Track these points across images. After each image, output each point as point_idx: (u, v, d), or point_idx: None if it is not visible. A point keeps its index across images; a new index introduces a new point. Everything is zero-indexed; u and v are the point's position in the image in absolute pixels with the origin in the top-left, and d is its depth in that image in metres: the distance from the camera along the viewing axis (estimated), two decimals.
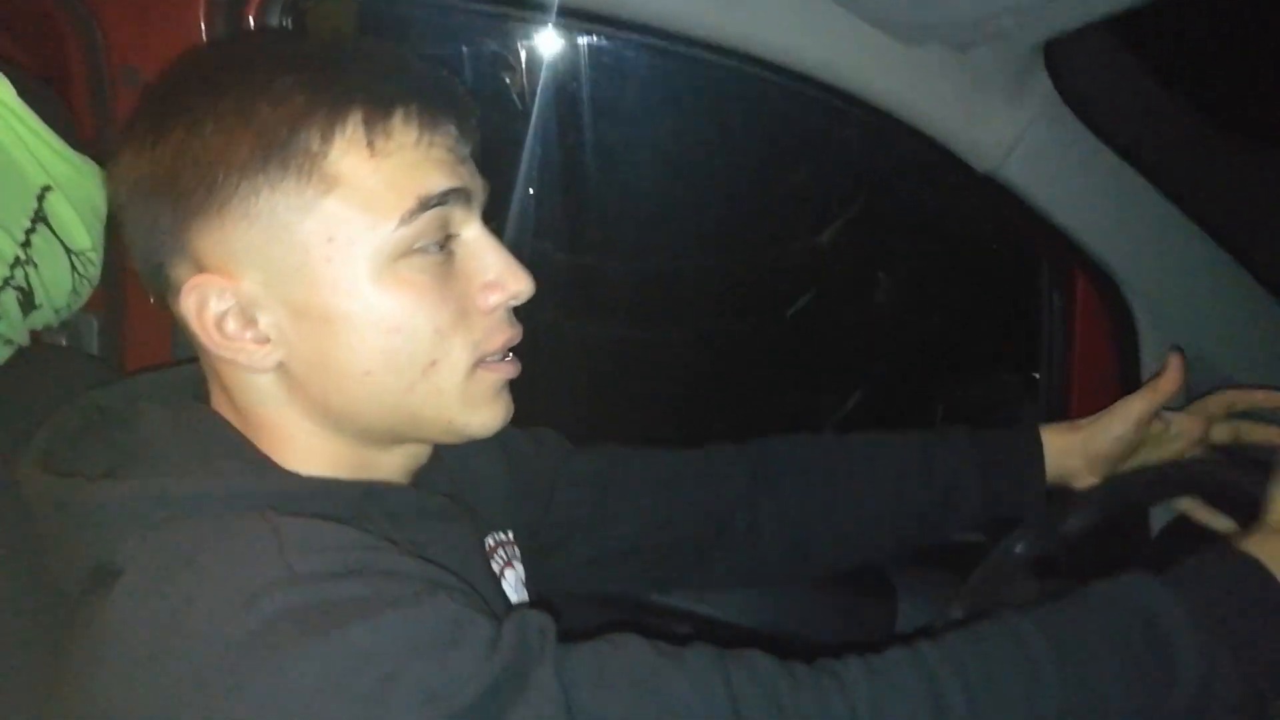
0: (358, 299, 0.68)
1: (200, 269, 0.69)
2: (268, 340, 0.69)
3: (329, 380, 0.70)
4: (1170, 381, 1.03)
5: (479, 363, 0.73)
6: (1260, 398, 1.06)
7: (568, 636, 0.64)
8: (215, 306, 0.69)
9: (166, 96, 0.70)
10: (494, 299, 0.73)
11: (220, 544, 0.61)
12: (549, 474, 1.01)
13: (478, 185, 0.74)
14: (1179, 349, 1.07)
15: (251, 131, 0.66)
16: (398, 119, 0.69)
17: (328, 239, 0.67)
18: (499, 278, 0.73)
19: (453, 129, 0.72)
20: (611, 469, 1.04)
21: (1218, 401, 1.07)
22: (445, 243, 0.71)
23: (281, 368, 0.71)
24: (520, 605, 0.86)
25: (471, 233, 0.73)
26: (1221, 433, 1.07)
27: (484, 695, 0.57)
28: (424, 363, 0.70)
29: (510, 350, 0.77)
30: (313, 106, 0.67)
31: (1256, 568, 0.73)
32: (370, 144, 0.68)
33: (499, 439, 0.96)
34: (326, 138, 0.67)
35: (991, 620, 0.72)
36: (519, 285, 0.74)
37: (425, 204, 0.69)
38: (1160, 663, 0.69)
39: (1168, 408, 1.06)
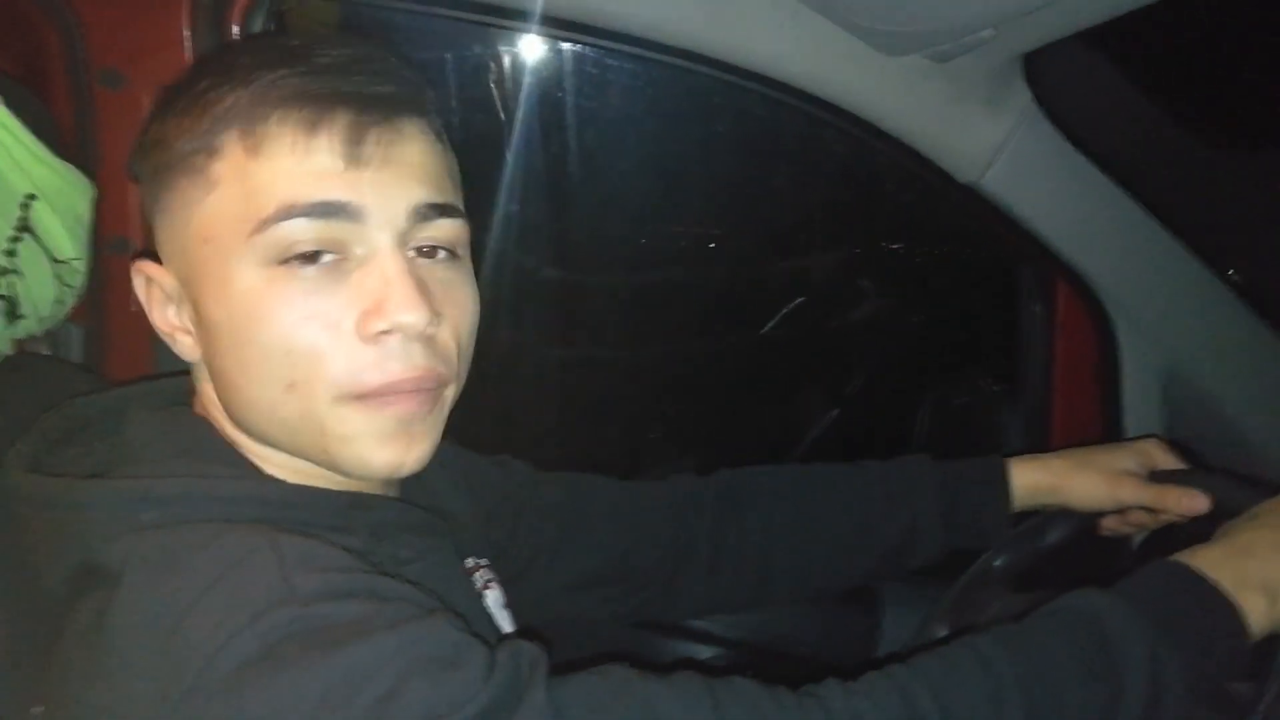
0: (224, 304, 0.68)
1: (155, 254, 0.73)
2: (190, 333, 0.72)
3: (222, 382, 0.72)
4: (1178, 506, 0.97)
5: (338, 398, 0.68)
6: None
7: (558, 669, 0.64)
8: (154, 292, 0.73)
9: (178, 81, 0.73)
10: (374, 326, 0.67)
11: (222, 556, 0.61)
12: (514, 502, 1.01)
13: (384, 199, 0.68)
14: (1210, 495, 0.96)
15: (179, 127, 0.69)
16: (273, 121, 0.66)
17: (204, 239, 0.68)
18: (380, 301, 0.67)
19: (344, 137, 0.67)
20: (576, 498, 1.04)
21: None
22: (339, 259, 0.67)
23: (201, 361, 0.73)
24: (505, 628, 0.86)
25: (364, 249, 0.68)
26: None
27: (480, 717, 0.57)
28: (282, 383, 0.67)
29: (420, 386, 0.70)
30: (212, 107, 0.68)
31: (1188, 571, 0.77)
32: (246, 147, 0.67)
33: (461, 468, 0.96)
34: (218, 137, 0.68)
35: (954, 642, 0.74)
36: (402, 313, 0.66)
37: (285, 213, 0.65)
38: (1109, 661, 0.72)
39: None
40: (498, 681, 0.59)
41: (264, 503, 0.68)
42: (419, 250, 0.70)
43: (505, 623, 0.87)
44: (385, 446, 0.69)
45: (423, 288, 0.68)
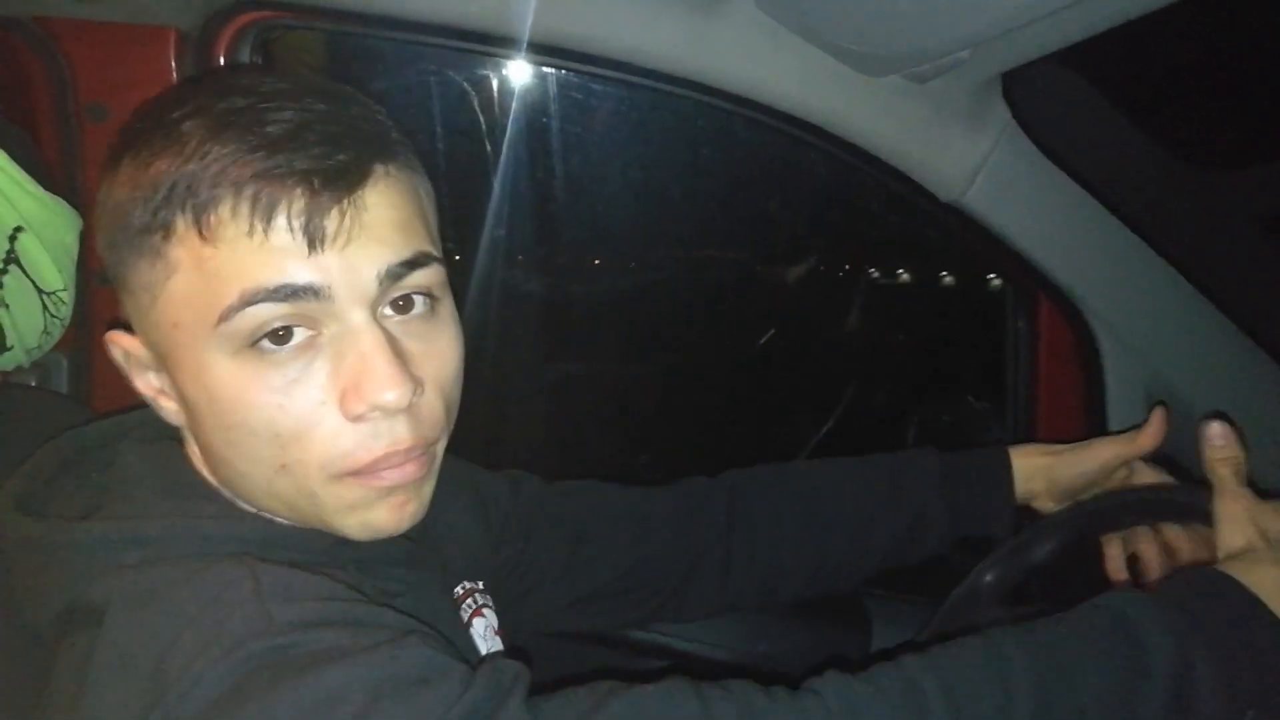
0: (203, 387, 0.66)
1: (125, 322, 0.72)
2: (173, 398, 0.71)
3: (207, 455, 0.71)
4: (1150, 438, 1.03)
5: (333, 477, 0.67)
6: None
7: (541, 688, 0.64)
8: (123, 362, 0.72)
9: (122, 142, 0.69)
10: (353, 408, 0.65)
11: (202, 590, 0.61)
12: (525, 516, 1.01)
13: (359, 273, 0.65)
14: (1164, 404, 1.07)
15: (130, 200, 0.65)
16: (226, 208, 0.63)
17: (173, 324, 0.66)
18: (356, 384, 0.65)
19: (301, 216, 0.63)
20: (587, 509, 1.05)
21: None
22: (312, 335, 0.65)
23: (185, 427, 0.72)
24: (492, 654, 0.85)
25: (337, 326, 0.65)
26: None
27: None
28: (272, 464, 0.66)
29: (409, 450, 0.69)
30: (161, 182, 0.64)
31: (1230, 581, 0.75)
32: (200, 232, 0.63)
33: (473, 485, 0.96)
34: (170, 220, 0.64)
35: (970, 635, 0.73)
36: (380, 395, 0.65)
37: (248, 299, 0.63)
38: (1134, 660, 0.70)
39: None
40: (473, 695, 0.59)
41: (250, 542, 0.68)
42: (394, 304, 0.68)
43: (494, 650, 0.87)
44: (384, 510, 0.69)
45: (400, 358, 0.66)
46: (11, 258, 0.90)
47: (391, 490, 0.68)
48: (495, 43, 1.16)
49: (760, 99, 1.17)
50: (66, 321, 0.99)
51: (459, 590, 0.88)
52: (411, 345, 0.69)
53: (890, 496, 1.06)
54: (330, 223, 0.64)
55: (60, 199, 0.96)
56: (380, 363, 0.65)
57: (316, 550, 0.71)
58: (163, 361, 0.69)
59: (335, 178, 0.64)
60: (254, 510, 0.72)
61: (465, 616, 0.87)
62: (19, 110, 1.17)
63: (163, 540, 0.66)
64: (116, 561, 0.64)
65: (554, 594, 1.02)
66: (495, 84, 2.11)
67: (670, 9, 1.11)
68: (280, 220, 0.63)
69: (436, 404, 0.70)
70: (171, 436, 0.77)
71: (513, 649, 0.86)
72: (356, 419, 0.65)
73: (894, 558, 1.07)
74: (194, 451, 0.74)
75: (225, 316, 0.63)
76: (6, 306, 0.89)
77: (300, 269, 0.63)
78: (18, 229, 0.90)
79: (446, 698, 0.58)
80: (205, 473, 0.73)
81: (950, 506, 1.05)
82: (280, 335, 0.64)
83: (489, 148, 2.13)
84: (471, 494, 0.96)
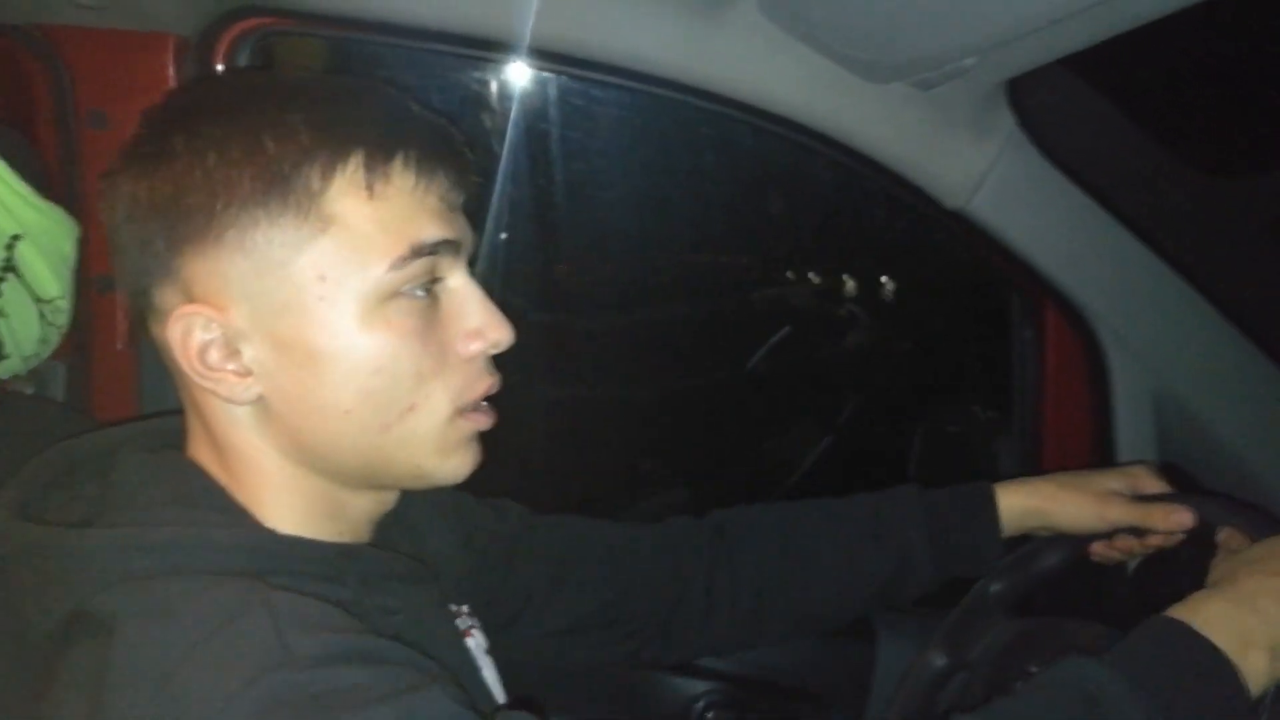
0: (343, 338, 0.68)
1: (189, 297, 0.68)
2: (250, 373, 0.69)
3: (307, 416, 0.70)
4: (1164, 522, 0.96)
5: (458, 411, 0.73)
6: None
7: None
8: (200, 336, 0.68)
9: (172, 120, 0.70)
10: (474, 347, 0.73)
11: (214, 609, 0.60)
12: (507, 545, 1.00)
13: (467, 235, 0.75)
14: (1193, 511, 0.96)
15: (254, 165, 0.66)
16: (397, 164, 0.69)
17: (319, 277, 0.67)
18: (480, 326, 0.74)
19: (448, 179, 0.72)
20: (570, 542, 1.04)
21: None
22: (431, 287, 0.72)
23: (261, 401, 0.70)
24: (488, 676, 0.85)
25: (456, 280, 0.74)
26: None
27: None
28: (403, 405, 0.70)
29: (488, 400, 0.76)
30: (316, 145, 0.67)
31: (1187, 632, 0.76)
32: (369, 187, 0.68)
33: (457, 511, 0.96)
34: (327, 177, 0.67)
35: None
36: (499, 334, 0.74)
37: (417, 251, 0.69)
38: None
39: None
40: None
41: (255, 552, 0.67)
42: None
43: (488, 669, 0.86)
44: (471, 454, 0.76)
45: None
46: (9, 266, 0.89)
47: (475, 436, 0.76)
48: (497, 48, 1.16)
49: (764, 106, 1.17)
50: (64, 330, 0.98)
51: (450, 609, 0.87)
52: None
53: (873, 540, 1.04)
54: (465, 185, 0.74)
55: (58, 207, 0.95)
56: (494, 309, 0.75)
57: (321, 562, 0.70)
58: (269, 325, 0.68)
59: (461, 147, 0.75)
60: (253, 512, 0.72)
61: (459, 634, 0.86)
62: (18, 117, 1.16)
63: (169, 548, 0.65)
64: (123, 570, 0.63)
65: (536, 623, 1.01)
66: (496, 90, 2.10)
67: (674, 15, 1.11)
68: (440, 179, 0.71)
69: None
70: (172, 444, 0.76)
71: (524, 699, 0.85)
72: (470, 359, 0.73)
73: (879, 600, 1.06)
74: (202, 446, 0.73)
75: (396, 265, 0.68)
76: (4, 315, 0.88)
77: (451, 224, 0.72)
78: (15, 237, 0.90)
79: None
80: (215, 472, 0.73)
81: (934, 549, 1.03)
82: (427, 283, 0.71)
83: (490, 154, 2.13)
84: (455, 518, 0.96)
